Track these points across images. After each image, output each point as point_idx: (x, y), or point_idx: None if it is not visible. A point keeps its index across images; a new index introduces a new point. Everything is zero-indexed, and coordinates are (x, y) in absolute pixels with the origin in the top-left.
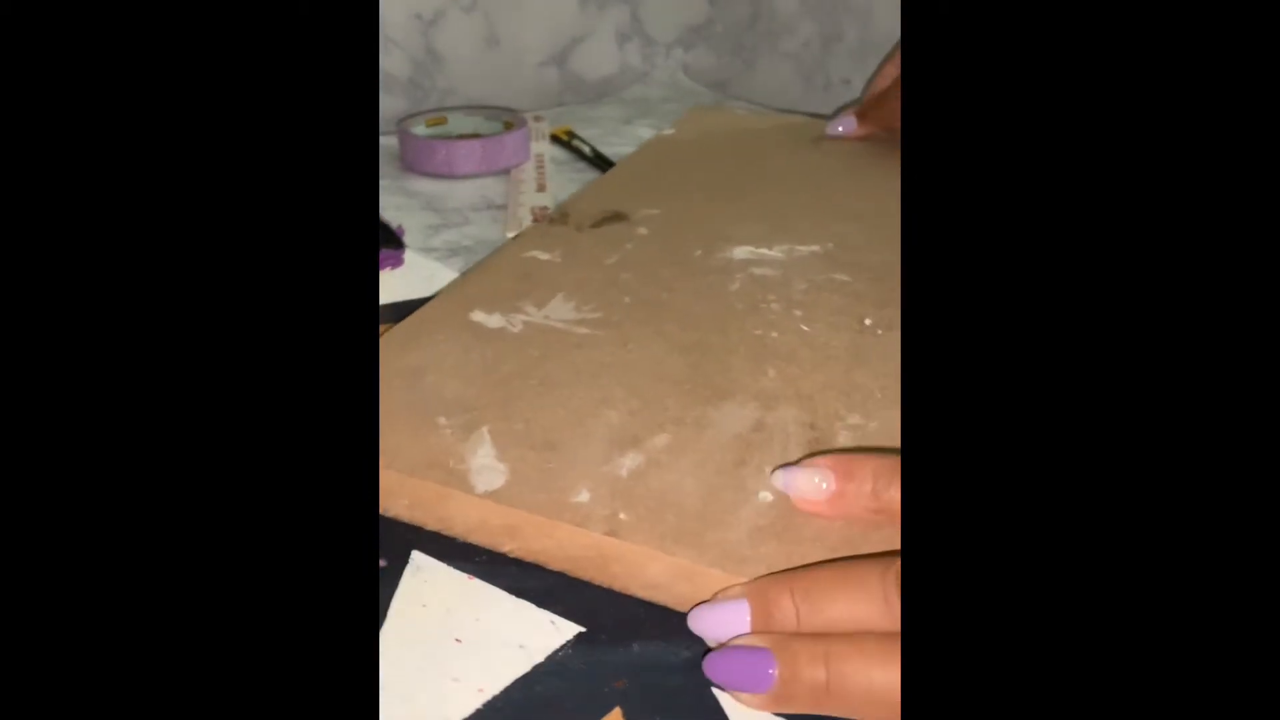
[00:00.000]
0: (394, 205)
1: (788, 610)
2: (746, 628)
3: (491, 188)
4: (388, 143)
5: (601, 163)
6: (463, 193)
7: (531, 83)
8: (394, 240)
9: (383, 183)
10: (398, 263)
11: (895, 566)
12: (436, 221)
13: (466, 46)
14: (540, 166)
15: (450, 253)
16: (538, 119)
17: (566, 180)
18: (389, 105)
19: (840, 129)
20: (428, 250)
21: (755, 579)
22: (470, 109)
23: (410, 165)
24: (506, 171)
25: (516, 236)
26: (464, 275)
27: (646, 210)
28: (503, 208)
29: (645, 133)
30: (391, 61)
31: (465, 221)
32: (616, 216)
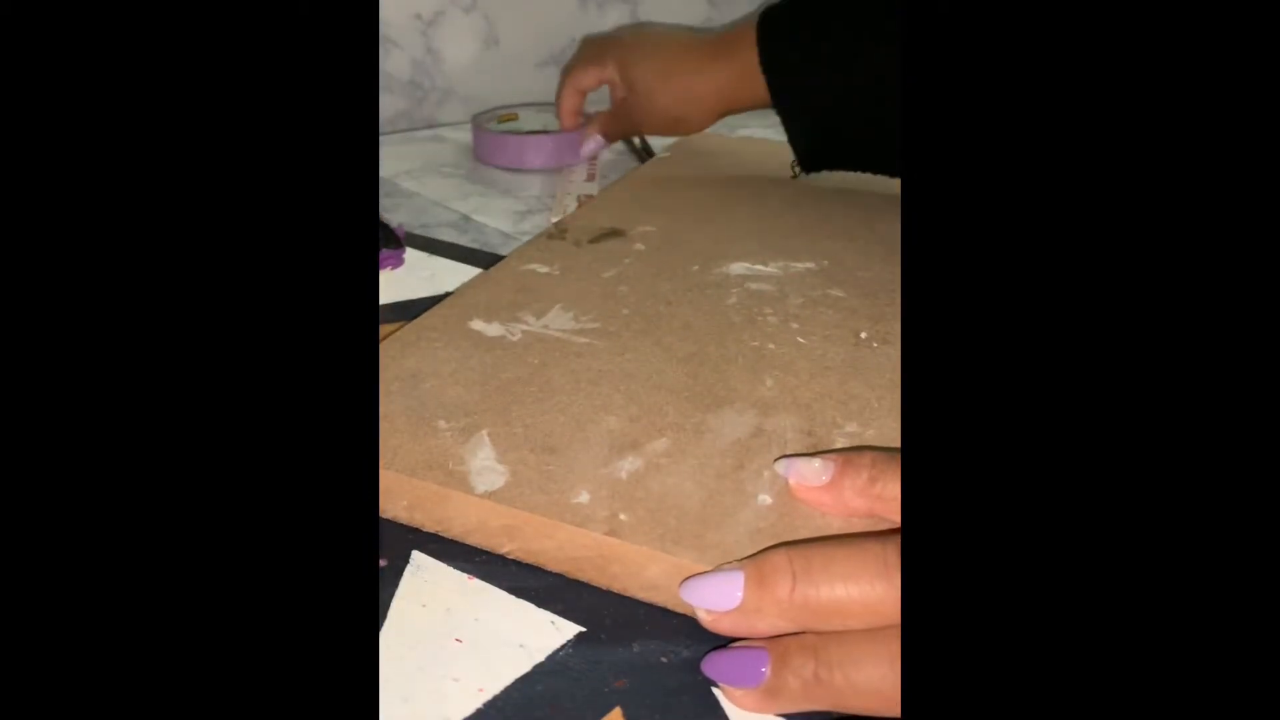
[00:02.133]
0: (473, 194)
1: (783, 576)
2: (738, 599)
3: (556, 181)
4: (462, 137)
5: (646, 154)
6: (538, 182)
7: (531, 83)
8: (394, 240)
9: (459, 173)
10: (398, 263)
11: (896, 538)
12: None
13: (466, 46)
14: (593, 158)
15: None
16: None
17: (619, 172)
18: (389, 105)
19: (592, 148)
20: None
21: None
22: (541, 105)
23: (484, 158)
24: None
25: (516, 250)
26: (461, 287)
27: (643, 227)
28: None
29: None
30: (391, 61)
31: (546, 209)
32: (614, 233)
